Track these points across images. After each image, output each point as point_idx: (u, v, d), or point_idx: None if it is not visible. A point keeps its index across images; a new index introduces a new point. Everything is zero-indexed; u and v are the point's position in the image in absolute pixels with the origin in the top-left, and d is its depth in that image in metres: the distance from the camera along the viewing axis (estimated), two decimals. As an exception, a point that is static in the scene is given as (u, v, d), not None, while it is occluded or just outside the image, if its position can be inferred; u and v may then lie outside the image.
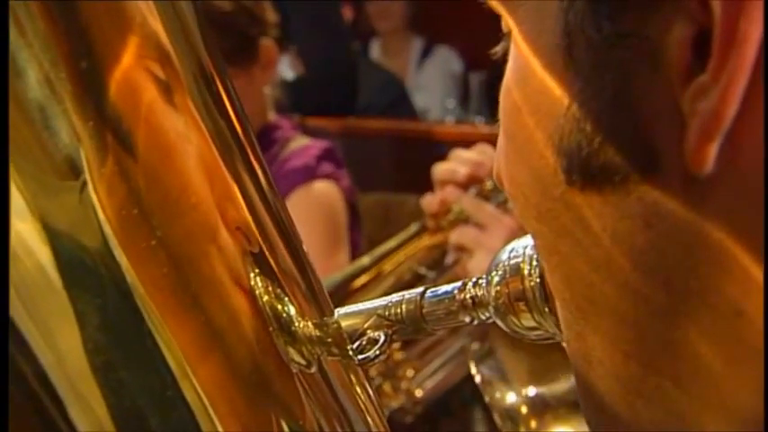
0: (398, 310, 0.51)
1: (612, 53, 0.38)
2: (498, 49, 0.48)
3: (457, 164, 1.41)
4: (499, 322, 0.49)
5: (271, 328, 0.45)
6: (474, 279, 0.50)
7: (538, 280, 0.47)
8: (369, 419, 0.52)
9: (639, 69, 0.37)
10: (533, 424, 1.05)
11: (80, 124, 0.41)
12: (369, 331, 0.52)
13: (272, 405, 0.45)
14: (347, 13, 4.04)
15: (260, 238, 0.46)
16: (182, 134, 0.44)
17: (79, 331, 0.41)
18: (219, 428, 0.43)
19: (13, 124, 0.40)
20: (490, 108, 4.52)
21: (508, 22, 0.44)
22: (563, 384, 1.05)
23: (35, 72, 0.40)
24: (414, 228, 1.47)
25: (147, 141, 0.42)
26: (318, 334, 0.48)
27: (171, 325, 0.42)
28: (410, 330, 0.51)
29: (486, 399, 1.06)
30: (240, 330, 0.44)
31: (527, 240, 0.49)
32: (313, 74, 3.33)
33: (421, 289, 0.52)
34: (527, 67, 0.42)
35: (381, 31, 4.86)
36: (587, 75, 0.39)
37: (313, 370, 0.47)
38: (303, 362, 0.47)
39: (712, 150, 0.36)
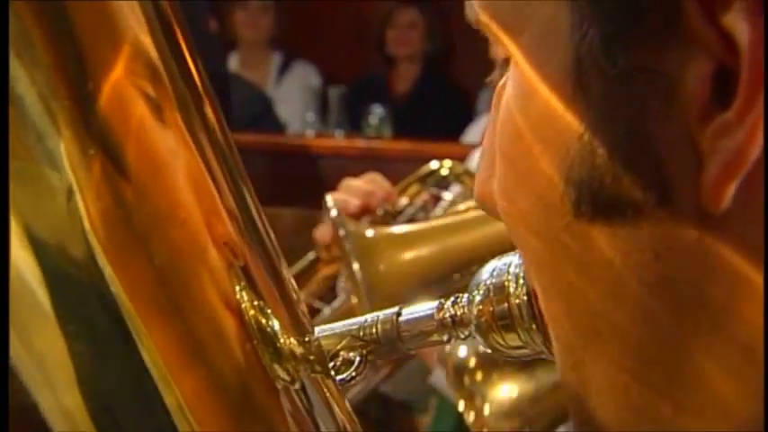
0: (374, 330, 0.51)
1: (627, 87, 0.38)
2: (494, 77, 0.48)
3: (348, 194, 1.41)
4: (480, 340, 0.50)
5: (255, 342, 0.45)
6: (452, 298, 0.51)
7: (525, 298, 0.47)
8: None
9: (655, 104, 0.37)
10: (479, 376, 1.07)
11: (71, 139, 0.40)
12: (342, 352, 0.51)
13: (257, 419, 0.45)
14: (212, 24, 3.99)
15: (245, 254, 0.46)
16: (171, 150, 0.44)
17: (61, 338, 0.40)
18: None
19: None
20: (350, 121, 4.55)
21: (509, 48, 0.43)
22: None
23: (29, 85, 0.39)
24: (310, 257, 1.46)
25: (137, 156, 0.42)
26: (302, 351, 0.47)
27: (155, 336, 0.42)
28: (386, 350, 0.51)
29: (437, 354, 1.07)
30: (226, 343, 0.44)
31: (509, 259, 0.49)
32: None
33: (396, 309, 0.52)
34: (532, 94, 0.42)
35: (245, 43, 4.83)
36: (599, 106, 0.39)
37: (297, 386, 0.47)
38: (288, 378, 0.46)
39: (732, 188, 0.36)
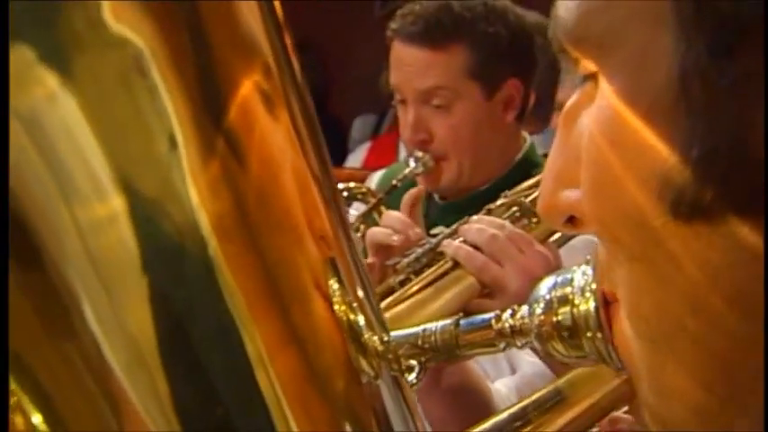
0: (433, 339, 0.54)
1: (731, 94, 0.40)
2: (576, 96, 0.49)
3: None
4: (538, 346, 0.52)
5: (345, 335, 0.47)
6: (510, 310, 0.54)
7: (593, 307, 0.50)
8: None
9: (757, 109, 0.40)
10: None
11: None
12: (401, 359, 0.53)
13: (341, 406, 0.47)
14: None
15: (338, 248, 0.48)
16: (281, 148, 0.45)
17: (151, 308, 0.42)
18: (289, 417, 0.44)
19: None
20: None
21: (598, 67, 0.45)
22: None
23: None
24: None
25: (258, 155, 0.44)
26: (383, 349, 0.49)
27: (256, 316, 0.44)
28: (443, 357, 0.54)
29: None
30: (318, 331, 0.46)
31: (568, 275, 0.52)
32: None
33: (454, 318, 0.54)
34: (620, 117, 0.44)
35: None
36: (701, 113, 0.41)
37: (379, 382, 0.49)
38: (372, 373, 0.48)
39: None
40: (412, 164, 1.81)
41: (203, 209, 0.42)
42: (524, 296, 1.32)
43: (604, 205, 0.46)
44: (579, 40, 0.46)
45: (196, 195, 0.42)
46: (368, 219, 1.89)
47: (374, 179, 2.22)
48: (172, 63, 0.41)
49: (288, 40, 0.48)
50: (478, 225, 1.35)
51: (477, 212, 1.42)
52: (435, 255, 1.40)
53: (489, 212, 1.41)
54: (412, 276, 1.39)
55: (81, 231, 0.41)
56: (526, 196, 1.41)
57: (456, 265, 1.33)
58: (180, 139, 0.41)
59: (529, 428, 0.80)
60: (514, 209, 1.41)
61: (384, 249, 1.45)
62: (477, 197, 1.75)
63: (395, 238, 1.43)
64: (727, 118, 0.41)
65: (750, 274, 0.42)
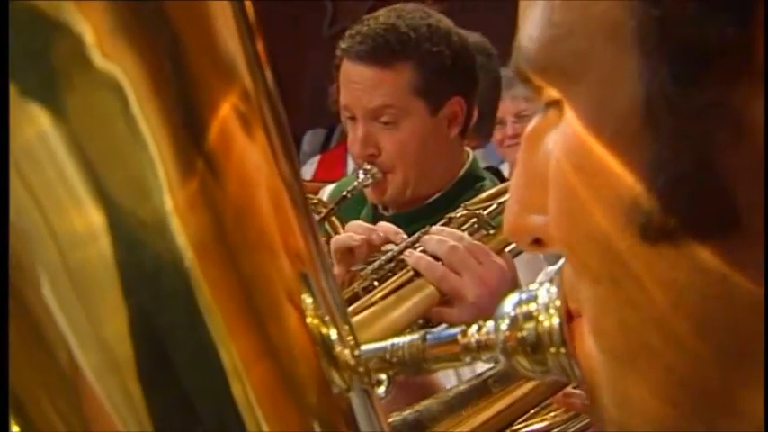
0: (401, 353, 0.55)
1: (697, 121, 0.41)
2: (538, 120, 0.50)
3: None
4: (503, 361, 0.54)
5: (318, 349, 0.49)
6: (476, 326, 0.55)
7: (557, 323, 0.52)
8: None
9: (722, 136, 0.41)
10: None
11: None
12: (371, 373, 0.55)
13: (314, 417, 0.48)
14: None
15: (310, 265, 0.50)
16: (258, 167, 0.47)
17: (128, 321, 0.43)
18: (264, 428, 0.45)
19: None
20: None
21: (563, 95, 0.46)
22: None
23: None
24: None
25: (236, 175, 0.46)
26: (354, 363, 0.50)
27: (232, 330, 0.45)
28: (410, 371, 0.55)
29: None
30: (292, 344, 0.47)
31: (532, 292, 0.54)
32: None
33: (421, 333, 0.56)
34: (586, 145, 0.45)
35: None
36: (667, 140, 0.42)
37: (350, 394, 0.50)
38: (344, 385, 0.49)
39: None
40: (361, 176, 1.89)
41: (182, 226, 0.43)
42: (481, 305, 1.38)
43: (572, 230, 0.47)
44: (543, 69, 0.47)
45: (176, 214, 0.43)
46: (320, 229, 1.95)
47: (326, 192, 2.31)
48: (153, 90, 0.42)
49: (264, 59, 0.49)
50: (439, 236, 1.41)
51: (423, 224, 1.49)
52: (398, 262, 1.45)
53: (449, 222, 1.45)
54: (375, 283, 1.45)
55: (60, 246, 0.42)
56: (484, 209, 1.47)
57: (417, 274, 1.39)
58: (160, 161, 0.42)
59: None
60: (473, 220, 1.47)
61: (348, 254, 1.49)
62: (422, 210, 1.85)
63: (356, 238, 1.48)
64: (693, 145, 0.42)
65: (713, 296, 0.43)
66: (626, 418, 0.48)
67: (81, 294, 0.43)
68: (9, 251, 0.41)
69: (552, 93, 0.47)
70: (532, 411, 1.12)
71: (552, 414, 1.17)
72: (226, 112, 0.45)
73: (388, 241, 1.49)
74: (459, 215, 1.49)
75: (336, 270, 1.49)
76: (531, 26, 0.47)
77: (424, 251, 1.40)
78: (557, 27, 0.45)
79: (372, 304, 1.38)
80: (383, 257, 1.46)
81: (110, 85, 0.41)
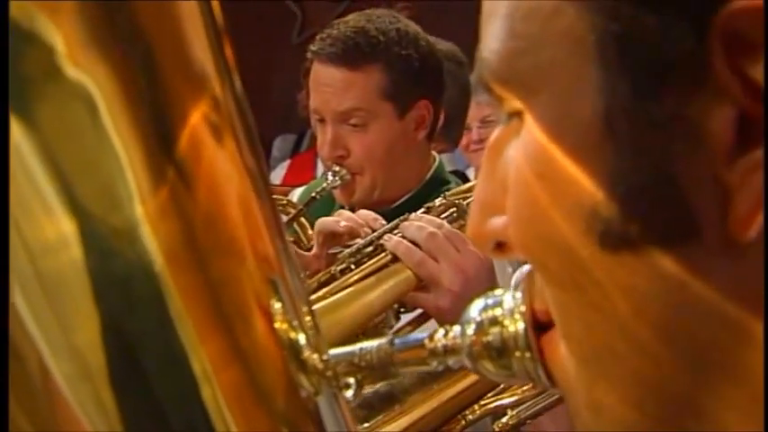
0: (369, 357, 0.56)
1: (656, 132, 0.42)
2: (501, 130, 0.50)
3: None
4: (469, 365, 0.55)
5: (286, 353, 0.50)
6: (443, 330, 0.56)
7: (521, 329, 0.53)
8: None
9: (681, 147, 0.42)
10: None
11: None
12: (339, 377, 0.55)
13: (282, 420, 0.49)
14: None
15: (279, 270, 0.50)
16: (228, 174, 0.48)
17: (100, 328, 0.44)
18: (233, 430, 0.46)
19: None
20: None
21: (524, 107, 0.47)
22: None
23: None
24: None
25: (206, 182, 0.47)
26: (322, 367, 0.51)
27: (201, 335, 0.46)
28: (378, 375, 0.56)
29: None
30: (260, 349, 0.48)
31: (498, 298, 0.55)
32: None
33: (389, 337, 0.56)
34: (547, 155, 0.45)
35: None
36: (627, 151, 0.43)
37: (318, 398, 0.51)
38: (312, 389, 0.50)
39: (761, 218, 0.41)
40: (330, 178, 1.91)
41: (153, 233, 0.44)
42: (458, 291, 1.39)
43: (530, 233, 0.48)
44: (505, 81, 0.48)
45: (146, 221, 0.44)
46: (288, 230, 1.98)
47: (296, 194, 2.34)
48: (124, 100, 0.43)
49: (232, 66, 0.49)
50: (418, 223, 1.43)
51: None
52: (376, 247, 1.47)
53: (428, 211, 1.47)
54: (353, 266, 1.46)
55: (32, 254, 0.42)
56: (464, 199, 1.48)
57: (395, 258, 1.41)
58: (131, 169, 0.43)
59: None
60: (452, 210, 1.49)
61: (330, 238, 1.53)
62: (389, 212, 1.85)
63: (343, 224, 1.51)
64: (652, 156, 0.43)
65: (673, 303, 0.44)
66: (597, 420, 0.49)
67: (52, 302, 0.43)
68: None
69: (514, 103, 0.48)
70: (502, 386, 1.14)
71: (522, 389, 1.18)
72: (196, 120, 0.45)
73: (369, 228, 1.51)
74: (438, 204, 1.51)
75: (316, 251, 1.52)
76: (492, 39, 0.48)
77: (403, 237, 1.42)
78: (518, 40, 0.46)
79: (349, 285, 1.40)
80: (361, 242, 1.48)
81: (81, 94, 0.41)
